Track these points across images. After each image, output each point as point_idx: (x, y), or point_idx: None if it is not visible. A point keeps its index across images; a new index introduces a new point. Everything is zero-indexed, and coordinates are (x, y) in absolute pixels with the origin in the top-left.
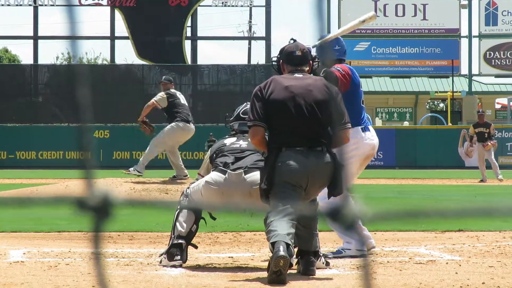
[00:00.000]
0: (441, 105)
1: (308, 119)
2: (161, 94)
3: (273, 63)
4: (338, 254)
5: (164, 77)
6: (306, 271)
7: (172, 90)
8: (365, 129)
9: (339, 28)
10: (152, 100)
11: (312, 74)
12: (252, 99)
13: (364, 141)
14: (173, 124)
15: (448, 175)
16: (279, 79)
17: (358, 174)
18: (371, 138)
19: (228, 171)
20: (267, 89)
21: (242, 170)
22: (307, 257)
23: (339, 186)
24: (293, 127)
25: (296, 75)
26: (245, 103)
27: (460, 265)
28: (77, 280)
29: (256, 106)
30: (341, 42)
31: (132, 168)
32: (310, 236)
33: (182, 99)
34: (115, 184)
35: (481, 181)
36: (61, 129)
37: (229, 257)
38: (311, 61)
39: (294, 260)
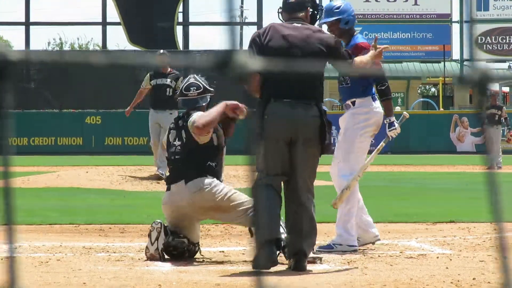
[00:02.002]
0: (433, 90)
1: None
2: (145, 79)
3: (279, 14)
4: (328, 249)
5: (162, 50)
6: (298, 267)
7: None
8: (373, 99)
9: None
10: (139, 91)
11: (315, 24)
12: (249, 44)
13: (374, 110)
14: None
15: (440, 161)
16: (278, 27)
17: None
18: (379, 106)
19: (171, 185)
20: (265, 36)
21: (183, 180)
22: (301, 254)
23: (328, 143)
24: (285, 77)
25: (295, 24)
26: (188, 76)
27: (451, 260)
28: (68, 276)
29: (252, 52)
30: (345, 10)
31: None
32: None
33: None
34: (106, 174)
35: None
36: (53, 115)
37: (220, 251)
38: (309, 8)
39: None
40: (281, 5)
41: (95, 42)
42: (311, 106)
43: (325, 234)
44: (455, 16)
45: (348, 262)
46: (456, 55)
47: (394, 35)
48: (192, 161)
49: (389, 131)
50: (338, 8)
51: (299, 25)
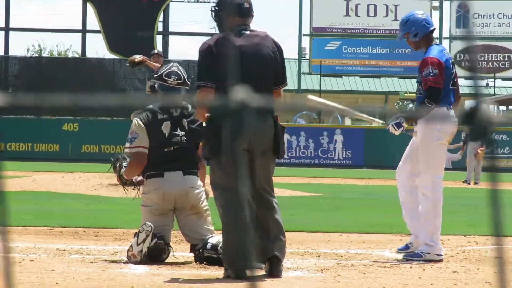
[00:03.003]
0: (411, 105)
1: (255, 82)
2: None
3: (212, 12)
4: (418, 257)
5: (159, 50)
6: (273, 272)
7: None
8: (448, 108)
9: (310, 28)
10: (157, 65)
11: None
12: (200, 56)
13: (449, 118)
14: None
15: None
16: (229, 38)
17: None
18: (454, 115)
19: (166, 172)
20: (217, 47)
21: (180, 171)
22: (274, 259)
23: (281, 150)
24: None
25: (244, 32)
26: (171, 64)
27: (424, 270)
28: (41, 276)
29: (205, 64)
30: (413, 22)
31: None
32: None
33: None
34: (82, 179)
35: (465, 181)
36: (30, 121)
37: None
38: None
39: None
40: (220, 6)
41: (74, 50)
42: (266, 116)
43: (299, 242)
44: (435, 33)
45: (322, 270)
46: None
47: (373, 49)
48: (191, 155)
49: (393, 125)
50: (405, 22)
51: (248, 32)
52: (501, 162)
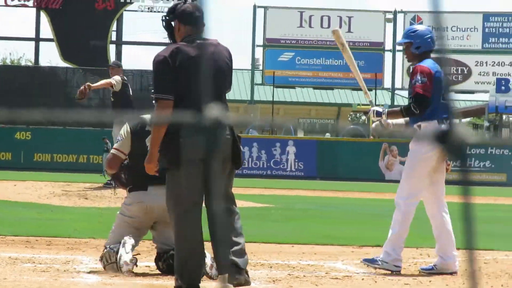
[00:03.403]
0: (363, 117)
1: (213, 91)
2: (118, 79)
3: (163, 22)
4: (372, 263)
5: (113, 61)
6: (236, 279)
7: (125, 77)
8: (440, 122)
9: (264, 38)
10: (110, 80)
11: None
12: (156, 68)
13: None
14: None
15: (369, 188)
16: (184, 48)
17: (441, 171)
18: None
19: (150, 186)
20: (173, 59)
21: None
22: (234, 266)
23: (239, 160)
24: (196, 100)
25: (198, 41)
26: None
27: (375, 282)
28: None
29: (163, 76)
30: (419, 35)
31: None
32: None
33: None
34: (34, 188)
35: None
36: None
37: (146, 266)
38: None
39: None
40: (172, 15)
41: (27, 58)
42: (223, 126)
43: (251, 253)
44: (388, 45)
45: (274, 281)
46: (388, 83)
47: (326, 61)
48: None
49: (374, 111)
50: (413, 32)
51: (201, 41)
52: (479, 176)
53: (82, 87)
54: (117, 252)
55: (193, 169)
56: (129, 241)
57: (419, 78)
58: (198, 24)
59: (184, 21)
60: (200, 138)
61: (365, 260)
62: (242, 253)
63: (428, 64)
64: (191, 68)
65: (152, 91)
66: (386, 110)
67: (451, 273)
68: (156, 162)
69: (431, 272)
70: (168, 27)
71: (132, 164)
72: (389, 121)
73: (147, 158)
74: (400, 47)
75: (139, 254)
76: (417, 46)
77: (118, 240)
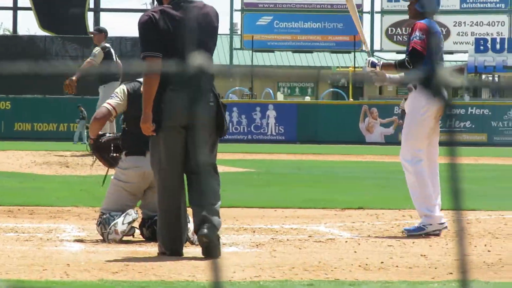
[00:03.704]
0: (343, 80)
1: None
2: (97, 50)
3: None
4: (419, 231)
5: (95, 27)
6: (206, 236)
7: (107, 44)
8: None
9: (242, 3)
10: (88, 60)
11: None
12: (142, 28)
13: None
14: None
15: (349, 151)
16: (169, 11)
17: (437, 132)
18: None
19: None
20: (158, 21)
21: None
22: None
23: (222, 128)
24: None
25: (183, 4)
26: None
27: (359, 244)
28: None
29: (149, 35)
30: None
31: None
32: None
33: (114, 56)
34: (16, 157)
35: None
36: None
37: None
38: None
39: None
40: None
41: (5, 27)
42: (206, 91)
43: (233, 218)
44: (366, 7)
45: (257, 245)
46: None
47: (305, 24)
48: None
49: (370, 61)
50: None
51: (187, 4)
52: (460, 136)
53: (66, 81)
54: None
55: (173, 136)
56: (132, 215)
57: (417, 34)
58: None
59: None
60: (182, 104)
61: (409, 230)
62: (215, 213)
63: (427, 22)
64: (176, 30)
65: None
66: (381, 62)
67: (435, 233)
68: (150, 121)
69: (418, 233)
70: None
71: (129, 129)
72: (387, 75)
73: (142, 118)
74: (378, 9)
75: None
76: (422, 5)
77: (115, 206)
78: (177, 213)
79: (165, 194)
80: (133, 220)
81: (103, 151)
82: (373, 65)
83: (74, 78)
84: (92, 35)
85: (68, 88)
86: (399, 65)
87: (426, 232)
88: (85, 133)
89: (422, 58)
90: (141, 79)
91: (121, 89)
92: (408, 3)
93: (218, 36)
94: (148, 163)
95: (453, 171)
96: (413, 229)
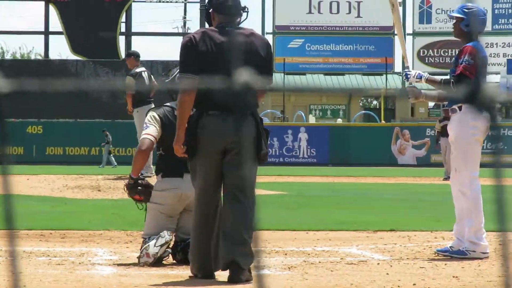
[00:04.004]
0: (375, 102)
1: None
2: (128, 81)
3: (201, 11)
4: (462, 255)
5: (126, 52)
6: (232, 279)
7: (138, 70)
8: None
9: (273, 26)
10: (128, 92)
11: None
12: (182, 50)
13: (481, 113)
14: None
15: (382, 173)
16: (211, 34)
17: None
18: (485, 112)
19: (185, 173)
20: (198, 42)
21: None
22: (235, 265)
23: (264, 152)
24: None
25: (227, 28)
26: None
27: (391, 266)
28: (8, 279)
29: (188, 56)
30: (472, 14)
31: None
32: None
33: (147, 79)
34: (47, 182)
35: (446, 179)
36: None
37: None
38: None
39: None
40: (209, 4)
41: (37, 51)
42: (245, 116)
43: (265, 240)
44: None
45: (289, 268)
46: (398, 67)
47: (336, 47)
48: None
49: (416, 73)
50: (468, 8)
51: (232, 29)
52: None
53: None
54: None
55: (209, 161)
56: (165, 236)
57: (467, 58)
58: (230, 13)
59: (217, 10)
60: (219, 129)
61: (453, 252)
62: (245, 254)
63: (476, 45)
64: (216, 53)
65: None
66: (427, 75)
67: (465, 257)
68: (181, 143)
69: (446, 254)
70: (206, 15)
71: (166, 153)
72: (423, 91)
73: (175, 139)
74: (410, 31)
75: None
76: (467, 24)
77: (154, 230)
78: (208, 235)
79: (201, 218)
80: (166, 242)
81: (140, 193)
82: (419, 76)
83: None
84: (126, 61)
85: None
86: (444, 83)
87: (468, 257)
88: (111, 157)
89: (468, 84)
90: (169, 104)
91: (152, 116)
92: (454, 21)
93: (269, 65)
94: (185, 185)
95: (500, 193)
96: (456, 251)
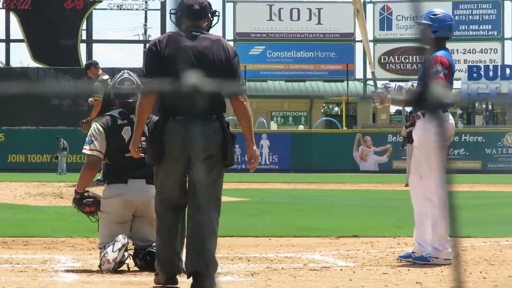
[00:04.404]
0: (336, 109)
1: None
2: (97, 85)
3: (171, 15)
4: (424, 261)
5: (86, 63)
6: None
7: (105, 77)
8: (444, 110)
9: (234, 33)
10: (95, 99)
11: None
12: (146, 53)
13: (445, 121)
14: None
15: (343, 180)
16: (175, 37)
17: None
18: (451, 118)
19: (130, 179)
20: (162, 46)
21: (144, 180)
22: (198, 274)
23: (230, 157)
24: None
25: (194, 33)
26: (122, 71)
27: (354, 272)
28: None
29: (150, 61)
30: (439, 20)
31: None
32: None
33: None
34: (10, 189)
35: (407, 185)
36: None
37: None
38: (210, 15)
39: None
40: (178, 8)
41: None
42: (211, 121)
43: (228, 247)
44: (358, 36)
45: (252, 274)
46: (359, 74)
47: (297, 53)
48: None
49: (392, 88)
50: (434, 15)
51: (198, 34)
52: (455, 164)
53: (84, 120)
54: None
55: (173, 167)
56: (121, 240)
57: (440, 69)
58: (196, 18)
59: (184, 14)
60: (184, 135)
61: (416, 258)
62: (209, 263)
63: (445, 54)
64: (178, 56)
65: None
66: (408, 86)
67: (427, 262)
68: (138, 146)
69: (409, 260)
70: (176, 20)
71: (111, 162)
72: (389, 95)
73: (131, 142)
74: (371, 37)
75: (130, 255)
76: (434, 30)
77: (109, 239)
78: (171, 241)
79: (161, 223)
80: (123, 246)
81: (89, 205)
82: (399, 88)
83: (87, 120)
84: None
85: (85, 129)
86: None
87: (430, 263)
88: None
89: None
90: (108, 113)
91: (96, 128)
92: (420, 27)
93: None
94: (130, 191)
95: (450, 199)
96: (418, 258)
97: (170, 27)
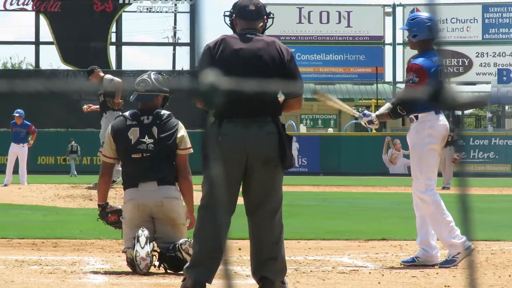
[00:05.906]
0: (366, 111)
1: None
2: (108, 80)
3: (225, 17)
4: (451, 264)
5: (87, 70)
6: None
7: (108, 76)
8: (437, 112)
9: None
10: (116, 83)
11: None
12: (200, 57)
13: (438, 123)
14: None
15: (372, 183)
16: (229, 40)
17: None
18: (444, 119)
19: (140, 183)
20: (216, 49)
21: (155, 182)
22: (264, 280)
23: (288, 158)
24: (237, 95)
25: (248, 35)
26: (146, 73)
27: (383, 275)
28: None
29: (203, 64)
30: (417, 23)
31: None
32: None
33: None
34: (39, 191)
35: (444, 188)
36: None
37: (153, 265)
38: (265, 16)
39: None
40: (232, 10)
41: (28, 62)
42: (267, 122)
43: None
44: (388, 38)
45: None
46: (388, 77)
47: (327, 56)
48: (164, 164)
49: (366, 122)
50: (413, 19)
51: (253, 36)
52: (479, 167)
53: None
54: (133, 249)
55: (230, 169)
56: (142, 233)
57: (411, 77)
58: (251, 18)
59: (239, 15)
60: (239, 137)
61: (442, 264)
62: (274, 269)
63: (420, 61)
64: (232, 59)
65: None
66: (375, 115)
67: (433, 265)
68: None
69: (412, 264)
70: (230, 22)
71: (123, 162)
72: (372, 115)
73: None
74: (400, 40)
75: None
76: (414, 34)
77: (130, 243)
78: (210, 246)
79: (202, 225)
80: (147, 239)
81: (111, 213)
82: (370, 123)
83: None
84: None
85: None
86: (393, 115)
87: (458, 263)
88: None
89: (415, 105)
90: (124, 113)
91: (107, 134)
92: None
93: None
94: (140, 194)
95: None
96: (444, 262)
97: (200, 30)
